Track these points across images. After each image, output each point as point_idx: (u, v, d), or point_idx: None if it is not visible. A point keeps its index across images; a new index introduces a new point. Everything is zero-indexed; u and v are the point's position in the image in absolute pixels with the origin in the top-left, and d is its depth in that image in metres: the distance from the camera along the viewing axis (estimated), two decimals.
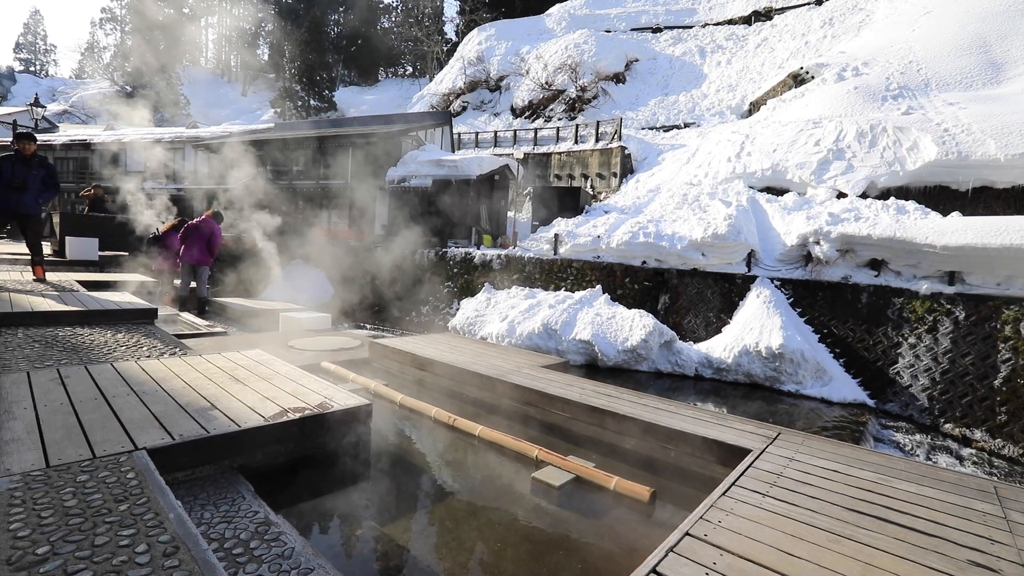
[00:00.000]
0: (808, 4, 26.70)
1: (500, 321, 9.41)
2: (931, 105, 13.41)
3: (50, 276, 6.86)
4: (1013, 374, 6.65)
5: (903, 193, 11.08)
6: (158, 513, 1.78)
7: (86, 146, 23.50)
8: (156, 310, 5.56)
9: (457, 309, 11.22)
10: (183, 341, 4.96)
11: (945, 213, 9.44)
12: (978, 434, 6.67)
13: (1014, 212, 10.04)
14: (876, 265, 8.56)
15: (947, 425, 6.96)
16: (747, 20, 28.10)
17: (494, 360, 5.20)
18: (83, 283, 6.95)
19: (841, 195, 11.42)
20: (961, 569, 1.93)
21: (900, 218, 9.17)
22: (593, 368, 8.43)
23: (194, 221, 8.85)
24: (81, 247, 9.52)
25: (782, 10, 27.36)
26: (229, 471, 2.56)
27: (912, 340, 7.63)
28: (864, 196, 11.21)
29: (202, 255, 8.67)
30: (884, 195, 11.14)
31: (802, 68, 18.94)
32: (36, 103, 15.93)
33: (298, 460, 2.87)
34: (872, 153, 11.93)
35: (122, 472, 2.06)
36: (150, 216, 11.63)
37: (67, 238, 9.59)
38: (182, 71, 48.48)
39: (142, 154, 21.60)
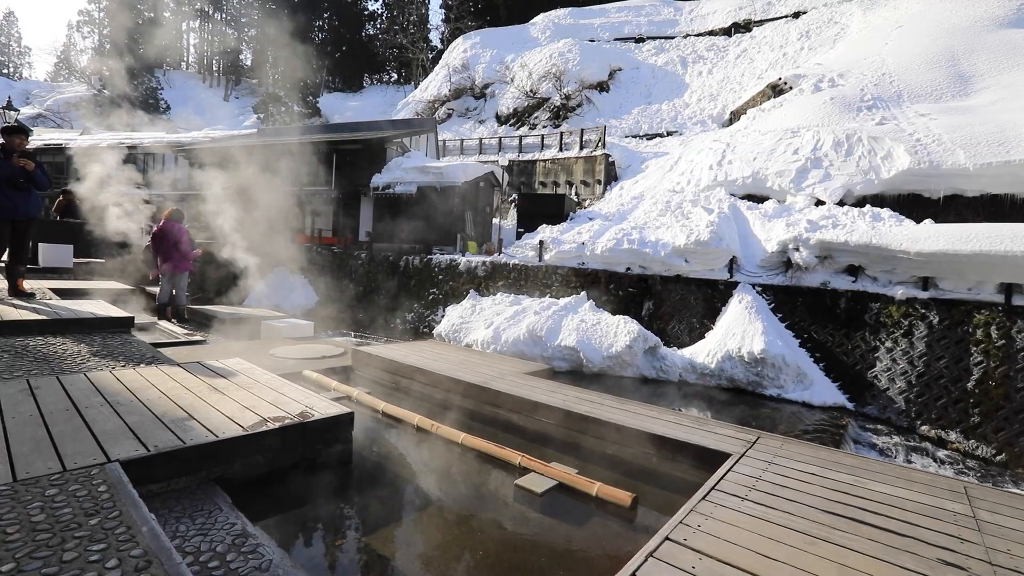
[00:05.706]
0: (786, 17, 27.41)
1: (485, 328, 9.40)
2: (904, 116, 13.82)
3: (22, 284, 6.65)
4: (985, 377, 6.84)
5: (878, 201, 11.39)
6: (130, 527, 1.74)
7: (61, 151, 22.99)
8: (132, 319, 5.45)
9: (442, 316, 11.18)
10: (161, 350, 4.86)
11: (918, 220, 9.72)
12: (953, 435, 6.84)
13: (983, 219, 10.38)
14: (853, 271, 8.76)
15: (923, 427, 7.12)
16: (727, 31, 28.71)
17: (478, 367, 5.19)
18: (57, 291, 6.78)
19: (819, 203, 11.68)
20: (932, 568, 1.98)
21: (876, 225, 9.42)
22: (578, 374, 8.46)
23: (157, 227, 8.31)
24: (55, 254, 9.29)
25: (761, 22, 28.04)
26: (206, 483, 2.51)
27: (889, 344, 7.80)
28: (841, 203, 11.49)
29: (180, 262, 8.37)
30: (860, 203, 11.43)
31: (780, 79, 19.38)
32: (9, 106, 15.53)
33: (278, 470, 2.82)
34: (848, 162, 12.24)
35: (94, 485, 2.01)
36: (126, 223, 11.37)
37: (40, 245, 9.35)
38: (162, 75, 47.80)
39: (119, 159, 21.18)
